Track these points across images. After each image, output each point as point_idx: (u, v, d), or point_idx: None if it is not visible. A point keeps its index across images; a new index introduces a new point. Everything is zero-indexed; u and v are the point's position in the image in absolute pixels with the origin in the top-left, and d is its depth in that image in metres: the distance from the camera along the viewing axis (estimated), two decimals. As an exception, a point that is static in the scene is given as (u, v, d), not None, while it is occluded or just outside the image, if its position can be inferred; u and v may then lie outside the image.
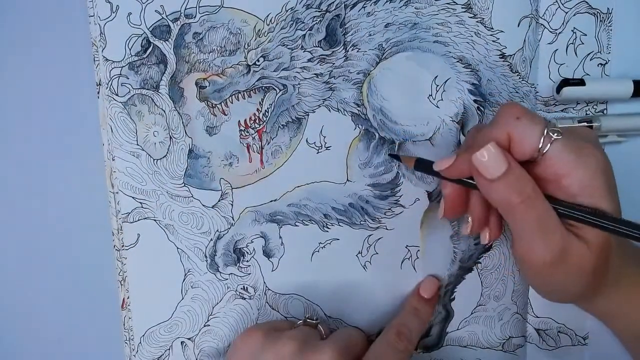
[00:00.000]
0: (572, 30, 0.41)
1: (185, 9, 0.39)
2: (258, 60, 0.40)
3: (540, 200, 0.32)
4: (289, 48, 0.40)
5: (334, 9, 0.40)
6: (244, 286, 0.43)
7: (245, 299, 0.43)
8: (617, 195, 0.33)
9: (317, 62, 0.40)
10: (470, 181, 0.35)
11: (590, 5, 0.41)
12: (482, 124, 0.41)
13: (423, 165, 0.38)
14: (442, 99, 0.41)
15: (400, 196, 0.42)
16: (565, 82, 0.41)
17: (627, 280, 0.35)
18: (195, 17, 0.39)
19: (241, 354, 0.38)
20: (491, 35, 0.41)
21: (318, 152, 0.41)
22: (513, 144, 0.33)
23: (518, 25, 0.41)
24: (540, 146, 0.32)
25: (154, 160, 0.41)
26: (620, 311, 0.36)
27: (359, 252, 0.43)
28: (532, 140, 0.32)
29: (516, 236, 0.34)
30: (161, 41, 0.39)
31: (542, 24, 0.41)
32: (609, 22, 0.42)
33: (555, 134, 0.32)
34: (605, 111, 0.43)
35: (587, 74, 0.42)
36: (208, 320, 0.43)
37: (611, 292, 0.35)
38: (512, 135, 0.33)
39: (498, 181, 0.32)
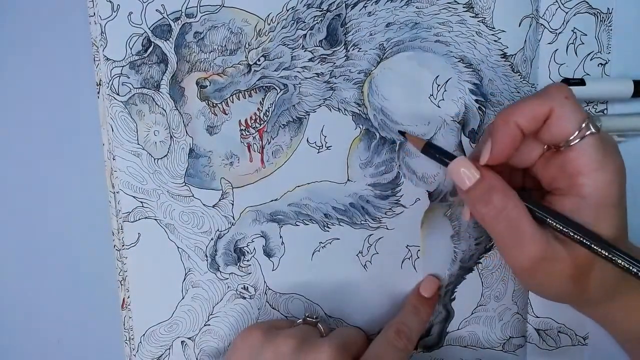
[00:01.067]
0: (572, 30, 0.41)
1: (186, 8, 0.39)
2: (259, 60, 0.40)
3: (510, 213, 0.33)
4: (289, 47, 0.40)
5: (335, 9, 0.40)
6: (244, 286, 0.43)
7: (245, 298, 0.43)
8: (624, 207, 0.33)
9: (318, 62, 0.40)
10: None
11: (590, 5, 0.41)
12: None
13: (433, 150, 0.38)
14: (443, 99, 0.41)
15: (401, 196, 0.42)
16: (566, 82, 0.41)
17: (627, 286, 0.35)
18: (196, 16, 0.39)
19: (241, 353, 0.38)
20: (493, 34, 0.41)
21: (319, 152, 0.41)
22: (549, 124, 0.32)
23: (519, 25, 0.41)
24: (575, 134, 0.32)
25: (154, 159, 0.41)
26: (620, 316, 0.36)
27: (359, 252, 0.43)
28: (571, 124, 0.32)
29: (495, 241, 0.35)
30: (162, 40, 0.39)
31: (542, 24, 0.41)
32: (609, 22, 0.42)
33: (594, 128, 0.31)
34: (605, 111, 0.43)
35: (587, 74, 0.42)
36: (208, 320, 0.43)
37: (610, 298, 0.35)
38: (555, 111, 0.32)
39: (468, 192, 0.34)
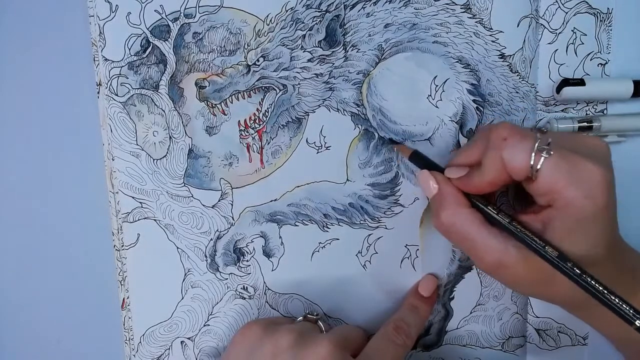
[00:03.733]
0: (572, 30, 0.41)
1: (185, 8, 0.39)
2: (258, 60, 0.40)
3: (458, 229, 0.35)
4: (288, 48, 0.40)
5: (334, 9, 0.40)
6: (243, 286, 0.43)
7: (245, 298, 0.43)
8: (606, 222, 0.33)
9: (317, 62, 0.40)
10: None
11: (590, 5, 0.41)
12: (482, 134, 0.37)
13: (418, 159, 0.40)
14: (441, 99, 0.41)
15: (400, 195, 0.42)
16: (565, 82, 0.41)
17: (619, 290, 0.34)
18: (194, 17, 0.39)
19: (240, 347, 0.38)
20: (490, 35, 0.41)
21: (318, 152, 0.41)
22: (505, 165, 0.33)
23: (517, 26, 0.41)
24: (532, 164, 0.32)
25: (153, 160, 0.41)
26: (607, 317, 0.35)
27: (358, 252, 0.43)
28: (521, 160, 0.32)
29: None
30: (161, 41, 0.39)
31: (542, 24, 0.41)
32: (609, 22, 0.41)
33: (544, 152, 0.32)
34: (605, 111, 0.43)
35: (587, 74, 0.42)
36: (208, 320, 0.43)
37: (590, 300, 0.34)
38: (503, 157, 0.33)
39: (430, 202, 0.38)
